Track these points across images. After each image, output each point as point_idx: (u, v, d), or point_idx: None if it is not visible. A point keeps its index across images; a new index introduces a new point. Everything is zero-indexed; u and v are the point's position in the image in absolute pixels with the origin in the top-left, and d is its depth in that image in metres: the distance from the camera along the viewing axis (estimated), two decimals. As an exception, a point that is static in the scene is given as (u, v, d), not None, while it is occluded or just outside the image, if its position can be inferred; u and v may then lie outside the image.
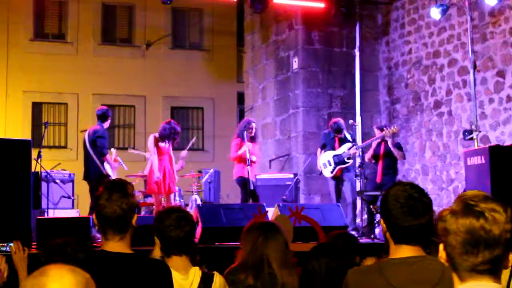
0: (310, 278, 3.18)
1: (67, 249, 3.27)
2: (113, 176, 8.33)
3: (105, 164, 8.47)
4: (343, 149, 8.95)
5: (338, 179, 9.00)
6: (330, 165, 8.96)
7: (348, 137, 9.19)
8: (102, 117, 8.64)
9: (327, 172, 9.04)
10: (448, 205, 2.43)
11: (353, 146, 8.96)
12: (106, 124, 8.67)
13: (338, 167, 8.90)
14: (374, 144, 9.14)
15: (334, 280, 3.11)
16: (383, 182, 8.93)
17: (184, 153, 9.15)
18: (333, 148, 9.05)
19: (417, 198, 2.31)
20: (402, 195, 2.30)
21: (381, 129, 9.20)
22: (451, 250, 1.72)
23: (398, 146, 9.23)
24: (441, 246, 1.77)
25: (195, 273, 3.02)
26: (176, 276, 2.93)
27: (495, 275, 1.70)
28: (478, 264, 1.68)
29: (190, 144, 10.30)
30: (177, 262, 2.99)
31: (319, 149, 9.38)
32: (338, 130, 9.12)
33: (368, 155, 9.16)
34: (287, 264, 3.16)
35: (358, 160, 9.37)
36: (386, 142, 9.06)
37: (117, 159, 9.06)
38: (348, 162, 8.89)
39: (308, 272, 3.17)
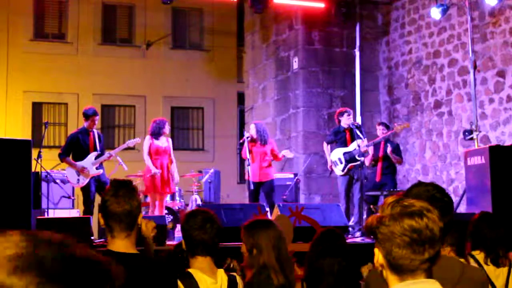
0: (319, 277, 3.15)
1: None
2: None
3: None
4: (353, 146, 8.60)
5: (349, 177, 8.69)
6: (341, 163, 8.65)
7: (359, 133, 8.79)
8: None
9: (338, 171, 8.71)
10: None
11: (363, 142, 8.55)
12: (85, 124, 8.77)
13: (349, 165, 8.59)
14: (372, 150, 8.96)
15: (344, 280, 3.09)
16: (382, 182, 8.92)
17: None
18: (345, 144, 8.72)
19: (439, 198, 2.35)
20: (424, 195, 2.31)
21: (387, 126, 9.11)
22: (396, 252, 1.72)
23: (397, 150, 9.16)
24: (376, 250, 1.78)
25: (222, 277, 3.03)
26: (206, 279, 2.94)
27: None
28: (424, 262, 1.72)
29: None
30: (202, 263, 2.99)
31: (325, 144, 9.06)
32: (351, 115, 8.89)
33: (368, 160, 8.97)
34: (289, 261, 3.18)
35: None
36: (385, 143, 9.01)
37: (117, 159, 9.05)
38: (359, 160, 8.52)
39: (316, 271, 3.14)
